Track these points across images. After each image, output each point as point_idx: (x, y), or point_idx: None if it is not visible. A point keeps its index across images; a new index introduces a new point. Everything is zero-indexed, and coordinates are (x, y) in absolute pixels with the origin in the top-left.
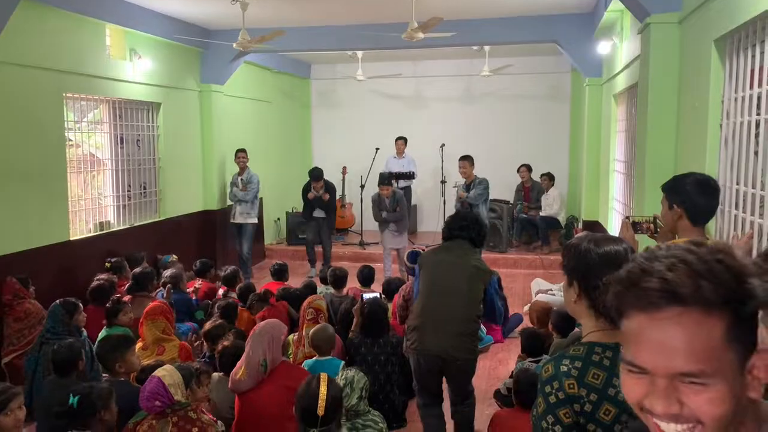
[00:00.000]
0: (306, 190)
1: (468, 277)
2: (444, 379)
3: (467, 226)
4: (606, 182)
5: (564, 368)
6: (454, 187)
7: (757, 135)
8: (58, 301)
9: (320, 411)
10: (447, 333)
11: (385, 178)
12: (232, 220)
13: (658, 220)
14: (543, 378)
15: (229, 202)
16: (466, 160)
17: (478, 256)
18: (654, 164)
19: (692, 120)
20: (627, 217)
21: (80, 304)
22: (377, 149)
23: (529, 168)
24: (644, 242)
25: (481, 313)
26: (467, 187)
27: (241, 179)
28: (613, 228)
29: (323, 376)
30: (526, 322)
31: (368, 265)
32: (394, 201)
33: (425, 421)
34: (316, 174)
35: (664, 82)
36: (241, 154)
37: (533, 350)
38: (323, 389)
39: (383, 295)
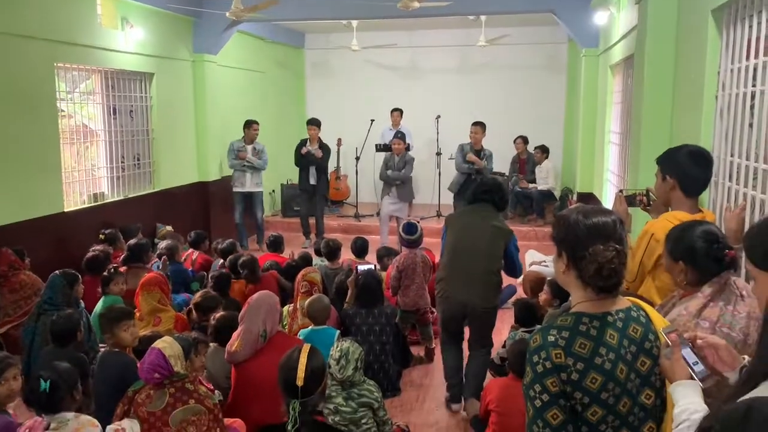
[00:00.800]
0: (300, 147)
1: (489, 236)
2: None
3: (490, 191)
4: (601, 154)
5: (551, 338)
6: (450, 158)
7: (752, 106)
8: (58, 271)
9: (299, 381)
10: (470, 284)
11: (399, 133)
12: (239, 189)
13: (651, 193)
14: (531, 348)
15: (224, 173)
16: (479, 125)
17: (500, 217)
18: (649, 136)
19: (688, 91)
20: (620, 191)
21: (80, 276)
22: (372, 120)
23: (525, 140)
24: (637, 215)
25: (501, 267)
26: (477, 153)
27: (254, 148)
28: (608, 200)
29: (305, 347)
30: (520, 293)
31: (362, 236)
32: (403, 161)
33: (445, 353)
34: (313, 120)
35: (660, 53)
36: (255, 125)
37: (526, 320)
38: (303, 360)
39: (377, 265)
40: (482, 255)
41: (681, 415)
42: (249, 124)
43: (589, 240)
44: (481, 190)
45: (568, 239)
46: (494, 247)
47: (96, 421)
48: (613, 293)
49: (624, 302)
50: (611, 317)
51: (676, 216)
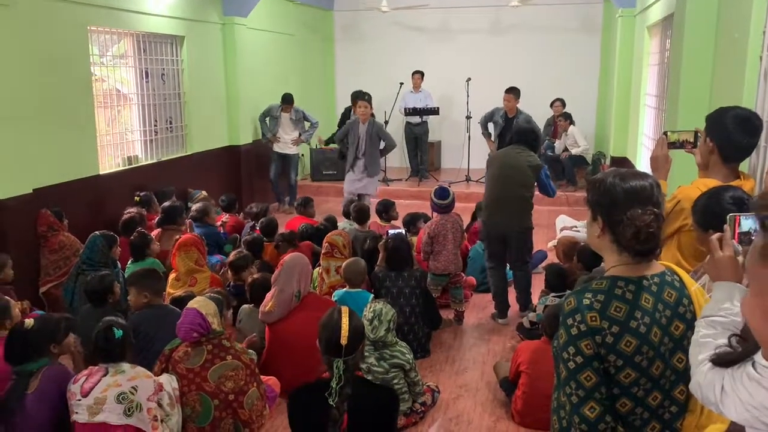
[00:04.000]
0: (345, 116)
1: (523, 168)
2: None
3: (525, 133)
4: (636, 117)
5: (586, 301)
6: (479, 122)
7: None
8: (97, 232)
9: (344, 340)
10: (508, 209)
11: (366, 95)
12: (275, 149)
13: (699, 134)
14: (565, 311)
15: (256, 137)
16: (512, 92)
17: (532, 154)
18: (688, 98)
19: (730, 52)
20: (665, 133)
21: (118, 237)
22: (401, 84)
23: (563, 103)
24: (678, 159)
25: (533, 194)
26: (511, 121)
27: (290, 118)
28: (642, 165)
29: (345, 309)
30: (551, 258)
31: (387, 198)
32: (374, 130)
33: (492, 276)
34: (358, 93)
35: (702, 12)
36: (286, 106)
37: (556, 286)
38: (345, 320)
39: (405, 229)
40: (516, 184)
41: (724, 309)
42: (283, 101)
43: (627, 204)
44: (516, 133)
45: (604, 203)
46: (526, 177)
47: (150, 373)
48: (648, 257)
49: (658, 267)
50: (646, 281)
51: (707, 184)
